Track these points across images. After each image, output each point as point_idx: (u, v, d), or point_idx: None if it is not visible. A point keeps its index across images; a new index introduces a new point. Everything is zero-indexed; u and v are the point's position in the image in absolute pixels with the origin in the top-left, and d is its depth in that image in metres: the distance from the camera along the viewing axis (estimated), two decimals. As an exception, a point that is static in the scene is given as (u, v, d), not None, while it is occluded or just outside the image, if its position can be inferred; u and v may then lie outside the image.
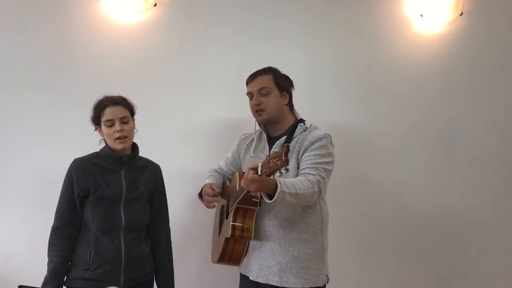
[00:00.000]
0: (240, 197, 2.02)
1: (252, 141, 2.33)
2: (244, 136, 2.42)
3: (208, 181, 2.34)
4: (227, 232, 2.09)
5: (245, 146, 2.36)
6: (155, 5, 2.72)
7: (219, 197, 2.32)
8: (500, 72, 2.89)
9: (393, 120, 2.85)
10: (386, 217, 2.84)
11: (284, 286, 2.09)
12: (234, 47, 2.78)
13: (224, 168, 2.43)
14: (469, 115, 2.88)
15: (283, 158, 1.66)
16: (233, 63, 2.72)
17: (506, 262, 2.88)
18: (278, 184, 1.87)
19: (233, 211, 2.09)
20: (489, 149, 2.87)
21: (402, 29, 2.85)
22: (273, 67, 2.25)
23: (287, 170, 1.70)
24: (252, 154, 2.26)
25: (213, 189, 2.23)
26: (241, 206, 2.07)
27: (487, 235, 2.88)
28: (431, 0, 2.78)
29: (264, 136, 2.25)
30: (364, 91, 2.85)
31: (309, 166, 2.05)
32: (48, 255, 2.01)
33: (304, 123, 2.21)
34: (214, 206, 2.29)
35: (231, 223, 2.07)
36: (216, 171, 2.45)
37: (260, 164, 1.79)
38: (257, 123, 2.30)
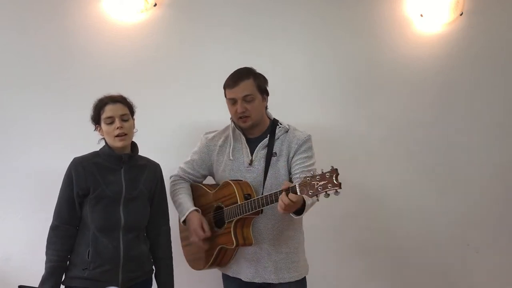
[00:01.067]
0: (253, 211, 2.01)
1: (225, 141, 2.27)
2: (212, 135, 2.32)
3: (190, 206, 2.22)
4: (229, 242, 2.10)
5: (217, 148, 2.28)
6: (155, 5, 2.72)
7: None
8: (500, 72, 2.89)
9: (393, 120, 2.85)
10: (386, 217, 2.84)
11: (280, 282, 2.16)
12: (234, 47, 2.78)
13: (190, 171, 2.33)
14: (469, 115, 2.88)
15: (335, 182, 1.75)
16: (233, 63, 2.70)
17: (506, 262, 2.88)
18: (306, 200, 1.93)
19: (233, 222, 2.09)
20: (489, 149, 2.87)
21: (402, 29, 2.85)
22: (250, 67, 2.22)
23: (337, 192, 1.77)
24: (231, 157, 2.21)
25: (204, 230, 2.17)
26: (244, 216, 2.08)
27: (487, 235, 2.88)
28: (431, 0, 2.78)
29: (242, 137, 2.23)
30: (364, 91, 2.85)
31: (304, 169, 2.11)
32: (46, 254, 2.01)
33: (280, 124, 2.22)
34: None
35: (232, 233, 2.08)
36: (182, 179, 2.34)
37: (297, 185, 1.84)
38: (233, 123, 2.25)
